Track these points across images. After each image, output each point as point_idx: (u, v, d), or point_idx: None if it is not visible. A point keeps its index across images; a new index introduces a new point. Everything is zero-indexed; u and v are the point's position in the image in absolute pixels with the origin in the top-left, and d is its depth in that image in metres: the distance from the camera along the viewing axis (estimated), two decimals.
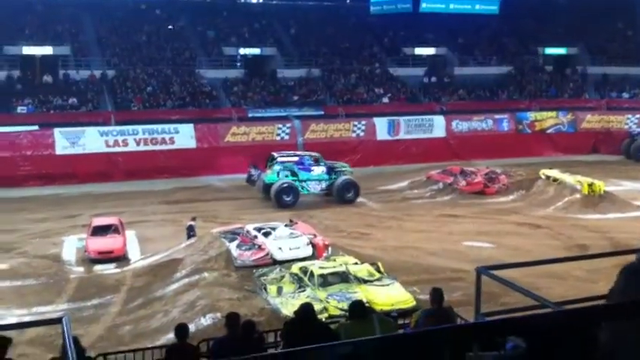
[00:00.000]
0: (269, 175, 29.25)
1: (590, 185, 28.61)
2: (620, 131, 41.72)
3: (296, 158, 29.99)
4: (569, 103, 43.60)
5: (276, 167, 29.26)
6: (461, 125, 39.98)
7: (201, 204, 28.94)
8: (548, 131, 41.57)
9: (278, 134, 36.61)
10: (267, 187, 29.19)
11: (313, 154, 30.81)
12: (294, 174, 29.26)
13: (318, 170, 29.77)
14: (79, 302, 17.78)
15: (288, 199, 28.44)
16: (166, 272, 19.13)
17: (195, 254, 19.73)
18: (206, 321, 15.24)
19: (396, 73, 44.28)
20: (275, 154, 30.00)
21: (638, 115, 42.04)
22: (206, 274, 18.08)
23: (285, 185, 28.63)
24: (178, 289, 17.73)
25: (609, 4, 47.23)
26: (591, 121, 42.38)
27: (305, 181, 29.53)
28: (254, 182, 30.41)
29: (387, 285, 17.14)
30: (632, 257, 6.24)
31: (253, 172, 30.59)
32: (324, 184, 29.81)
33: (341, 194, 29.26)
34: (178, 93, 38.45)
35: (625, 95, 44.58)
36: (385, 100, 41.72)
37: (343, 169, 30.47)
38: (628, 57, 47.05)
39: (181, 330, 8.64)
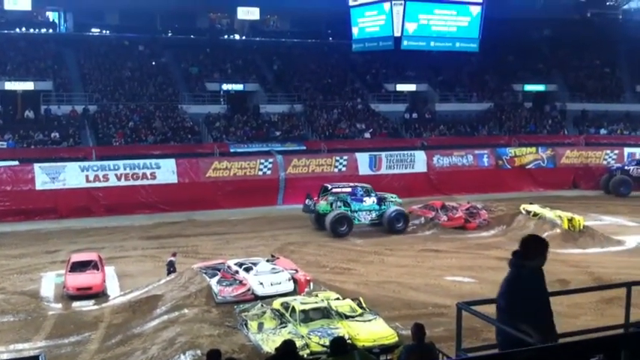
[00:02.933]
0: (322, 206, 30.22)
1: (570, 220, 28.85)
2: (599, 166, 42.25)
3: (349, 189, 30.99)
4: (549, 138, 44.17)
5: (330, 198, 30.33)
6: (442, 160, 40.25)
7: (182, 239, 28.76)
8: (528, 167, 42.00)
9: (260, 169, 36.63)
10: (319, 217, 30.37)
11: (365, 185, 31.88)
12: (346, 204, 30.25)
13: (370, 201, 30.78)
14: (57, 339, 17.50)
15: (342, 229, 29.61)
16: (146, 308, 18.91)
17: (175, 290, 19.54)
18: (186, 358, 15.05)
19: (377, 109, 44.70)
20: (328, 186, 31.10)
21: (616, 151, 42.66)
22: (186, 311, 17.90)
23: (339, 215, 29.63)
24: (158, 325, 17.51)
25: (587, 41, 48.28)
26: (570, 156, 42.90)
27: (357, 211, 30.47)
28: (313, 211, 30.93)
29: (369, 320, 17.06)
30: (611, 292, 6.33)
31: (309, 202, 31.05)
32: (374, 214, 30.85)
33: (391, 224, 30.37)
34: (160, 128, 38.46)
35: (603, 131, 45.26)
36: (367, 135, 42.02)
37: (392, 199, 31.49)
38: (606, 93, 47.95)
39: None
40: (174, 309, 18.21)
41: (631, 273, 21.08)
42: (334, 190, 30.79)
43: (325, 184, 31.49)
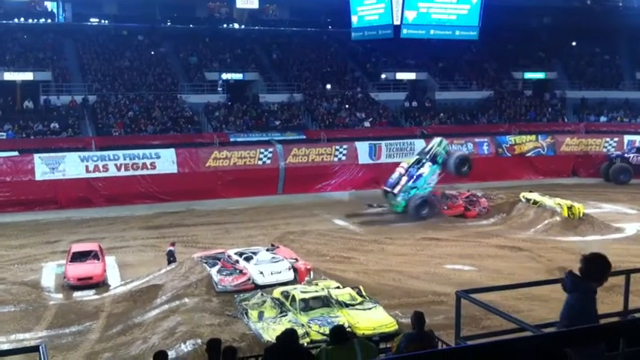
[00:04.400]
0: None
1: (570, 208, 28.86)
2: (599, 154, 42.22)
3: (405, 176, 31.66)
4: (548, 126, 44.13)
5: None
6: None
7: (182, 229, 28.80)
8: (528, 154, 41.97)
9: (260, 159, 36.61)
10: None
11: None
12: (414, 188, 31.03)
13: (425, 170, 31.51)
14: (58, 329, 17.57)
15: (424, 212, 30.59)
16: (146, 298, 18.97)
17: (175, 280, 19.59)
18: (186, 347, 15.09)
19: (377, 98, 44.62)
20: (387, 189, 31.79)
21: (616, 139, 42.61)
22: (187, 300, 17.94)
23: (419, 201, 30.56)
24: (158, 315, 17.56)
25: (587, 29, 48.08)
26: (570, 144, 42.87)
27: (425, 184, 31.30)
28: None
29: (369, 309, 17.11)
30: (611, 279, 6.32)
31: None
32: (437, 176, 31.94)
33: (458, 169, 31.87)
34: (160, 118, 38.42)
35: (603, 119, 45.20)
36: (367, 124, 41.97)
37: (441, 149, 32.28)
38: (605, 81, 47.84)
39: (159, 357, 8.55)
40: (174, 298, 18.26)
41: (630, 260, 21.10)
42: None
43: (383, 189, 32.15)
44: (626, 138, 42.44)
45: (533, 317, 14.41)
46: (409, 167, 31.76)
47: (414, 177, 31.18)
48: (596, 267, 5.51)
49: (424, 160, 31.69)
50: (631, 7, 47.22)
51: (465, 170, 32.04)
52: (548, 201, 30.07)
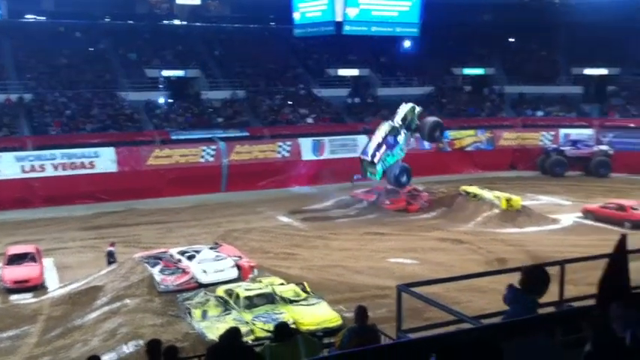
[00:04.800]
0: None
1: (508, 200, 29.58)
2: (536, 148, 43.37)
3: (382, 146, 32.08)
4: (487, 121, 45.02)
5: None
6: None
7: (123, 229, 28.30)
8: (468, 149, 42.78)
9: (202, 156, 36.27)
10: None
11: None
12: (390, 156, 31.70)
13: (401, 138, 32.18)
14: None
15: (404, 179, 31.60)
16: (86, 300, 18.57)
17: (116, 281, 19.24)
18: (128, 349, 14.86)
19: (320, 94, 44.70)
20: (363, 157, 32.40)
21: (552, 132, 43.84)
22: (128, 301, 17.64)
23: (398, 170, 31.49)
24: (99, 317, 17.22)
25: (525, 26, 49.23)
26: (508, 138, 43.90)
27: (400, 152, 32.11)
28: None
29: (313, 304, 17.16)
30: (548, 269, 6.46)
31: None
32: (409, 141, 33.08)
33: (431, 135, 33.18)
34: (99, 116, 37.58)
35: (539, 113, 46.40)
36: (310, 120, 42.01)
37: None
38: (542, 76, 49.10)
39: None
40: (115, 300, 17.94)
41: (566, 250, 21.83)
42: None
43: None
44: (562, 132, 43.74)
45: (472, 308, 14.73)
46: (386, 136, 32.09)
47: (391, 145, 31.73)
48: (535, 280, 5.48)
49: (399, 129, 32.25)
50: (567, 4, 48.65)
51: (438, 135, 33.07)
52: (487, 194, 30.74)
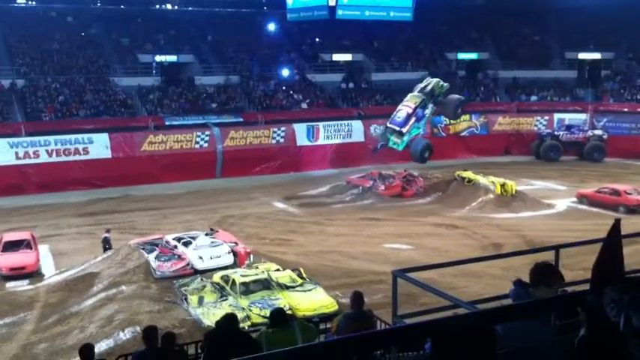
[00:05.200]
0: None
1: (503, 185, 29.68)
2: (530, 133, 43.46)
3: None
4: (482, 106, 44.99)
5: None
6: (379, 129, 40.49)
7: (118, 215, 28.29)
8: (462, 134, 42.81)
9: (197, 142, 36.20)
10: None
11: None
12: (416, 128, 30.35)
13: (428, 111, 30.72)
14: None
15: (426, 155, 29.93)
16: (82, 287, 18.63)
17: (112, 267, 19.28)
18: (125, 335, 14.91)
19: (314, 79, 44.59)
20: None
21: (546, 117, 43.90)
22: (124, 287, 17.69)
23: (423, 145, 29.78)
24: (95, 303, 17.27)
25: (518, 10, 49.12)
26: (502, 123, 43.94)
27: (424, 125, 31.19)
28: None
29: (309, 290, 17.25)
30: (543, 254, 6.49)
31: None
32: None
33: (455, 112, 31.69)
34: (92, 102, 37.43)
35: (534, 98, 46.41)
36: (304, 105, 41.94)
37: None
38: (536, 61, 49.07)
39: (86, 351, 8.39)
40: (111, 286, 17.98)
41: (561, 235, 21.89)
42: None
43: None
44: (556, 116, 43.82)
45: (468, 293, 14.80)
46: (416, 107, 30.83)
47: (420, 117, 30.82)
48: (544, 276, 5.48)
49: (428, 102, 31.19)
50: None
51: (459, 112, 32.34)
52: (482, 179, 30.83)
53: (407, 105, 30.85)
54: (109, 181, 32.97)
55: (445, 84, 31.90)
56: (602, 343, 3.75)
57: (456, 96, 32.64)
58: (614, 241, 4.89)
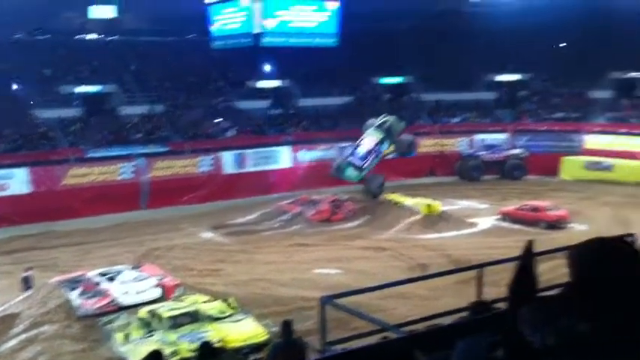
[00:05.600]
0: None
1: (428, 206, 30.25)
2: (454, 153, 44.51)
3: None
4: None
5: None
6: (307, 155, 40.74)
7: (39, 252, 27.25)
8: (388, 157, 43.35)
9: (121, 173, 35.43)
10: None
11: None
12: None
13: (385, 147, 33.77)
14: None
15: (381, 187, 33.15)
16: (1, 329, 17.79)
17: (33, 307, 18.53)
18: None
19: (241, 107, 44.48)
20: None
21: (469, 138, 45.12)
22: (46, 328, 17.01)
23: (379, 180, 33.11)
24: (15, 346, 16.53)
25: (438, 35, 50.53)
26: (427, 145, 44.85)
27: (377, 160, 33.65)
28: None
29: (239, 321, 17.01)
30: (468, 273, 6.57)
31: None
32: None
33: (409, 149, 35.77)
34: (10, 135, 36.11)
35: (455, 120, 47.67)
36: (231, 133, 41.70)
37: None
38: (457, 84, 50.46)
39: None
40: (32, 327, 17.26)
41: (485, 252, 22.33)
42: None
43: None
44: (478, 137, 45.10)
45: (396, 315, 14.92)
46: (376, 145, 33.25)
47: (378, 153, 33.31)
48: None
49: (385, 140, 33.48)
50: (482, 13, 50.29)
51: (412, 150, 35.39)
52: (408, 201, 31.34)
53: (368, 141, 32.37)
54: (30, 216, 31.72)
55: (402, 122, 33.35)
56: None
57: (410, 136, 35.86)
58: (527, 261, 5.01)
